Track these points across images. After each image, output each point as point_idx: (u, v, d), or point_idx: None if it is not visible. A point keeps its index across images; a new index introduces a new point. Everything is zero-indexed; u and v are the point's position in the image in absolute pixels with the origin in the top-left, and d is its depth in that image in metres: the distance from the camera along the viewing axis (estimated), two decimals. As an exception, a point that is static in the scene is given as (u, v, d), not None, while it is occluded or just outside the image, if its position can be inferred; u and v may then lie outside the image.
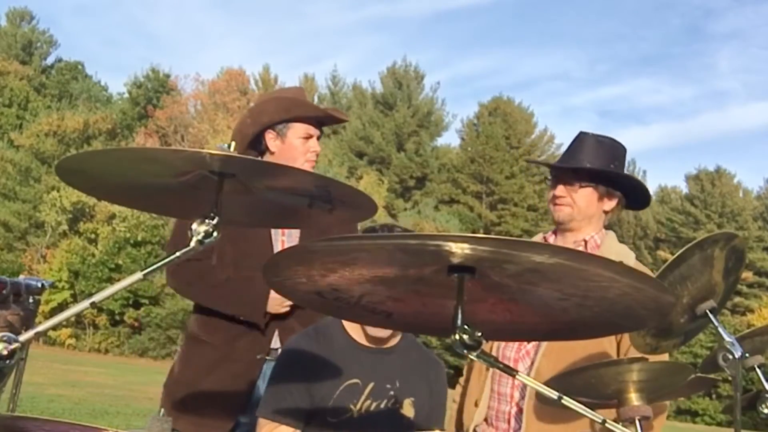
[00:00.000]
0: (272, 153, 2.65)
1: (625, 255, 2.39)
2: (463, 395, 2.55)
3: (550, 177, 2.46)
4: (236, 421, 2.58)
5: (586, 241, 2.41)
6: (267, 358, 2.60)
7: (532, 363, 2.34)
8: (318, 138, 2.69)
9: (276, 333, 2.61)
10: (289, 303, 2.53)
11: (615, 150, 2.41)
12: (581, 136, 2.43)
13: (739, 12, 76.41)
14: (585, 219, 2.40)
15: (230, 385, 2.59)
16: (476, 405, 2.43)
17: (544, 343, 2.32)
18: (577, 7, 79.38)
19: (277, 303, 2.56)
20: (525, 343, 2.37)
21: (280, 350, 2.58)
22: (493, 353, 2.37)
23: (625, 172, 2.46)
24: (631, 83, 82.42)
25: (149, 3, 77.30)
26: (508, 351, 2.40)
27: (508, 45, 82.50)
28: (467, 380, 2.56)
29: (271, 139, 2.64)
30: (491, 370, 2.41)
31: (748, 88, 75.67)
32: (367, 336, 2.21)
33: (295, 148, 2.63)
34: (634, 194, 2.46)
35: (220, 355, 2.62)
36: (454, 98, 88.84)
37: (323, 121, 2.70)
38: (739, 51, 77.26)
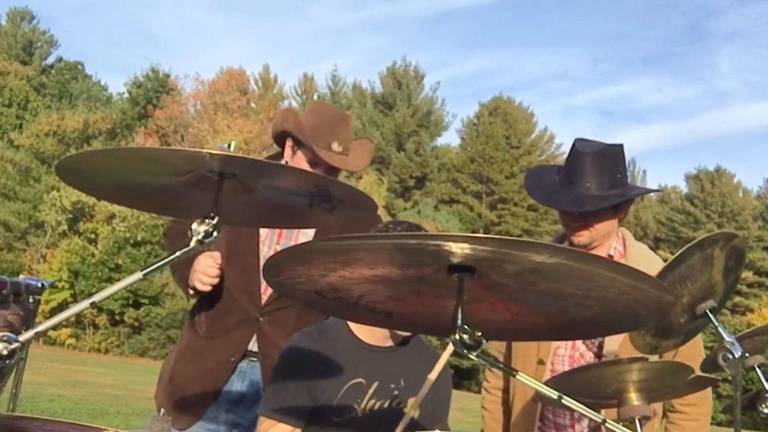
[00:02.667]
0: (286, 162, 2.61)
1: (652, 259, 2.38)
2: (507, 422, 2.52)
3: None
4: (201, 416, 2.59)
5: (611, 256, 2.36)
6: (251, 359, 2.61)
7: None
8: (330, 171, 2.52)
9: (254, 336, 2.60)
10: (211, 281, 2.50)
11: (616, 158, 2.32)
12: (579, 152, 2.31)
13: (741, 11, 76.57)
14: (605, 237, 2.38)
15: (201, 381, 2.61)
16: None
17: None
18: (579, 7, 79.54)
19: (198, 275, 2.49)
20: (578, 343, 2.35)
21: (258, 352, 2.59)
22: (547, 369, 2.37)
23: (627, 172, 2.38)
24: (633, 83, 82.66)
25: (150, 3, 77.36)
26: (561, 350, 2.39)
27: (510, 45, 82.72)
28: (508, 410, 2.52)
29: (288, 146, 2.63)
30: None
31: (750, 88, 75.78)
32: (393, 335, 2.22)
33: (300, 167, 2.51)
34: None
35: (198, 349, 2.65)
36: (456, 98, 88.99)
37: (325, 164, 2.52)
38: (741, 50, 77.48)
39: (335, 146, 2.52)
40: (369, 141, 2.77)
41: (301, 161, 2.56)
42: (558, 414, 2.38)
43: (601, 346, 2.33)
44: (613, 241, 2.41)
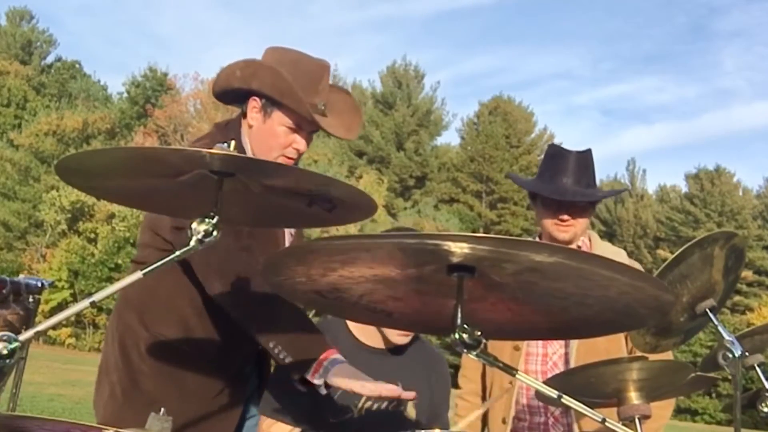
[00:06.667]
0: (250, 126, 2.18)
1: (615, 253, 2.54)
2: (485, 413, 2.59)
3: (540, 200, 2.50)
4: None
5: (579, 247, 2.53)
6: None
7: (567, 362, 2.44)
8: (310, 133, 2.19)
9: None
10: None
11: (590, 161, 2.52)
12: (562, 152, 2.51)
13: (744, 10, 76.39)
14: (582, 233, 2.55)
15: None
16: (504, 422, 2.50)
17: (574, 343, 2.44)
18: (581, 6, 79.45)
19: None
20: (553, 342, 2.48)
21: None
22: (523, 352, 2.50)
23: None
24: (635, 82, 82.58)
25: (151, 2, 77.31)
26: (532, 348, 2.51)
27: (512, 44, 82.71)
28: (485, 397, 2.63)
29: (254, 108, 2.16)
30: (517, 385, 2.50)
31: (753, 87, 75.64)
32: (385, 340, 2.21)
33: (275, 136, 2.14)
34: None
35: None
36: (458, 97, 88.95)
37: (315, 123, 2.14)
38: (744, 49, 77.34)
39: (321, 106, 2.13)
40: (350, 96, 2.32)
41: (275, 129, 2.14)
42: (531, 398, 2.47)
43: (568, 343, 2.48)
44: (583, 237, 2.58)
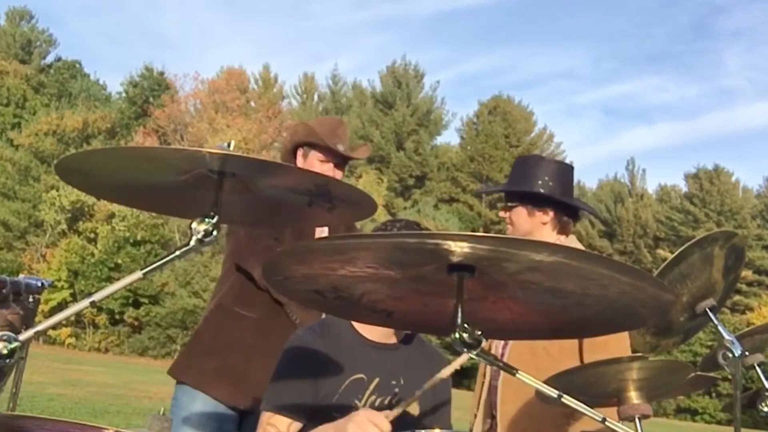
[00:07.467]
0: None
1: None
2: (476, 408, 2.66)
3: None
4: None
5: None
6: None
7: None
8: (338, 166, 2.97)
9: None
10: None
11: (542, 168, 2.50)
12: (519, 160, 2.69)
13: (747, 9, 76.03)
14: (526, 234, 2.47)
15: (267, 358, 2.56)
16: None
17: (510, 345, 2.49)
18: (583, 5, 79.07)
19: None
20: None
21: None
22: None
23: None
24: (637, 81, 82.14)
25: (153, 2, 77.17)
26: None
27: (512, 44, 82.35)
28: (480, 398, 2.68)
29: (300, 155, 2.99)
30: (485, 380, 2.56)
31: (756, 87, 75.34)
32: (395, 332, 2.23)
33: (312, 168, 2.85)
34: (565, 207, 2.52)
35: (258, 330, 2.82)
36: (459, 97, 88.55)
37: (337, 153, 2.95)
38: (747, 49, 76.92)
39: (341, 148, 2.92)
40: (366, 144, 3.25)
41: (312, 163, 2.92)
42: (492, 392, 2.56)
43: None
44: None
